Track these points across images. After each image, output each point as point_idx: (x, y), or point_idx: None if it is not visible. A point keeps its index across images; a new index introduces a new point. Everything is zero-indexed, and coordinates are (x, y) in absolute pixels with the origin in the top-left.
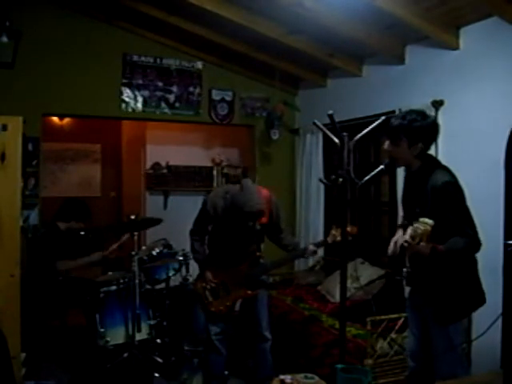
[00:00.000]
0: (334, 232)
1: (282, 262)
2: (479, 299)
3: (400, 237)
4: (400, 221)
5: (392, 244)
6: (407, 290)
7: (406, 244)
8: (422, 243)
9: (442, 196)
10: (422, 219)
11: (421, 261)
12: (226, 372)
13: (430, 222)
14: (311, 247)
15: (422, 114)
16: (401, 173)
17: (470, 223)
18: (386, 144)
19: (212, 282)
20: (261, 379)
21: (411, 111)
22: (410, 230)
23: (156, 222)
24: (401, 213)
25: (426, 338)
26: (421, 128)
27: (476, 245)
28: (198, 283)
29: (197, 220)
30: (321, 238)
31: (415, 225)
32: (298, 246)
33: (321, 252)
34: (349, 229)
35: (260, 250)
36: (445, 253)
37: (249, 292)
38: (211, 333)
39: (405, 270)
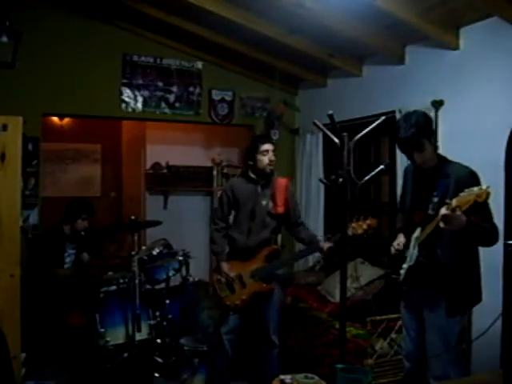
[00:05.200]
0: (354, 225)
1: (298, 257)
2: (479, 295)
3: (401, 241)
4: (399, 224)
5: (395, 245)
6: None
7: (447, 211)
8: (458, 211)
9: (469, 183)
10: (466, 190)
11: (438, 240)
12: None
13: (476, 189)
14: (327, 244)
15: (413, 112)
16: (401, 173)
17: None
18: (416, 156)
19: (227, 274)
20: (265, 381)
21: (406, 118)
22: (454, 200)
23: (155, 224)
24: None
25: (421, 337)
26: (426, 121)
27: (497, 234)
28: (213, 276)
29: (217, 208)
30: (321, 237)
31: (460, 194)
32: (314, 240)
33: None
34: (369, 221)
35: (277, 243)
36: (479, 227)
37: (265, 285)
38: (222, 331)
39: (404, 267)
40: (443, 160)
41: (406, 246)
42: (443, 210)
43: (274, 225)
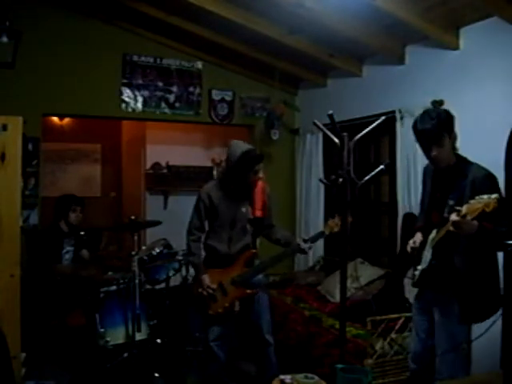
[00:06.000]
0: (330, 223)
1: (278, 259)
2: (498, 304)
3: (417, 240)
4: (419, 223)
5: (411, 243)
6: (407, 290)
7: (456, 218)
8: (468, 217)
9: (485, 186)
10: (476, 197)
11: (455, 246)
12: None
13: (485, 197)
14: (307, 245)
15: (434, 108)
16: (401, 173)
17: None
18: (434, 150)
19: (210, 287)
20: (266, 380)
21: (427, 111)
22: (464, 206)
23: (155, 224)
24: (401, 212)
25: (431, 340)
26: (447, 116)
27: None
28: (194, 287)
29: (192, 217)
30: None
31: (470, 201)
32: (291, 240)
33: (321, 251)
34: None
35: (255, 247)
36: (491, 232)
37: (248, 291)
38: (209, 339)
39: (418, 269)
40: (462, 160)
41: (423, 246)
42: (453, 216)
43: (252, 229)
